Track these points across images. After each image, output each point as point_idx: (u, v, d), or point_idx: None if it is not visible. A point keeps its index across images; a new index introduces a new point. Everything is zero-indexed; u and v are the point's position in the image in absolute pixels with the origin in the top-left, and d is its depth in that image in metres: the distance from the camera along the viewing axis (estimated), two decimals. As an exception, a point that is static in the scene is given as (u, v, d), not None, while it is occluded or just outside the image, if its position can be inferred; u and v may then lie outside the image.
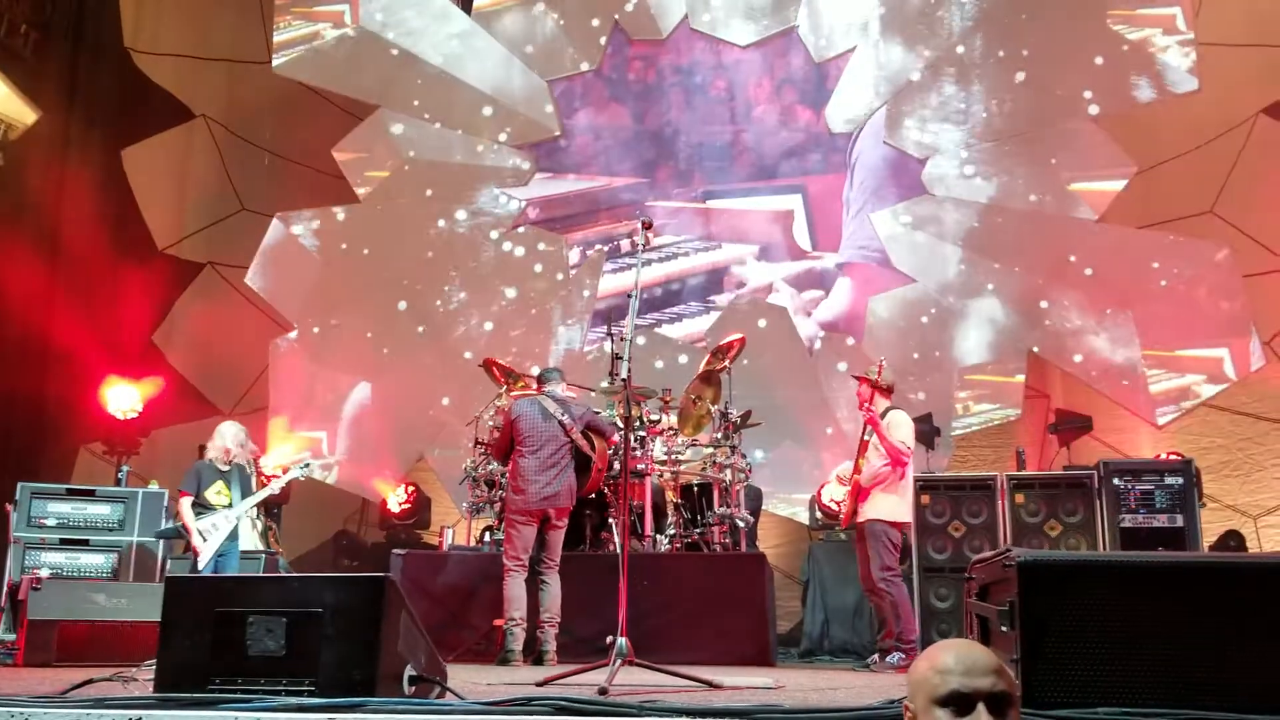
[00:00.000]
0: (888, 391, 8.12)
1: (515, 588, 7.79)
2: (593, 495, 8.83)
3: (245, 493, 8.63)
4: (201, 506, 8.34)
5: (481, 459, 9.59)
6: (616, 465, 8.81)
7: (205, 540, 8.29)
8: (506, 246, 13.61)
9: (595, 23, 13.81)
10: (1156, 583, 3.53)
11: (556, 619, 7.81)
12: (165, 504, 9.17)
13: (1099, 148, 12.46)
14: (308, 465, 9.58)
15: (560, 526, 8.02)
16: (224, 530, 8.31)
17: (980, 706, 2.22)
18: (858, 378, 8.24)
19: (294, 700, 3.67)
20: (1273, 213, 11.93)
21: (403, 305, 13.63)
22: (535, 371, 9.30)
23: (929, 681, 2.26)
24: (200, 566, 8.21)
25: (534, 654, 7.71)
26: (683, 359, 12.84)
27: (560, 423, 8.01)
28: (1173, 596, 3.50)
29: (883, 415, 7.94)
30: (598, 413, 8.61)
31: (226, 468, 8.57)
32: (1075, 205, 12.49)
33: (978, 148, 12.81)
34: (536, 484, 7.88)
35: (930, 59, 13.05)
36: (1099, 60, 12.57)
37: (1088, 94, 12.56)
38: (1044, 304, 12.40)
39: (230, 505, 8.39)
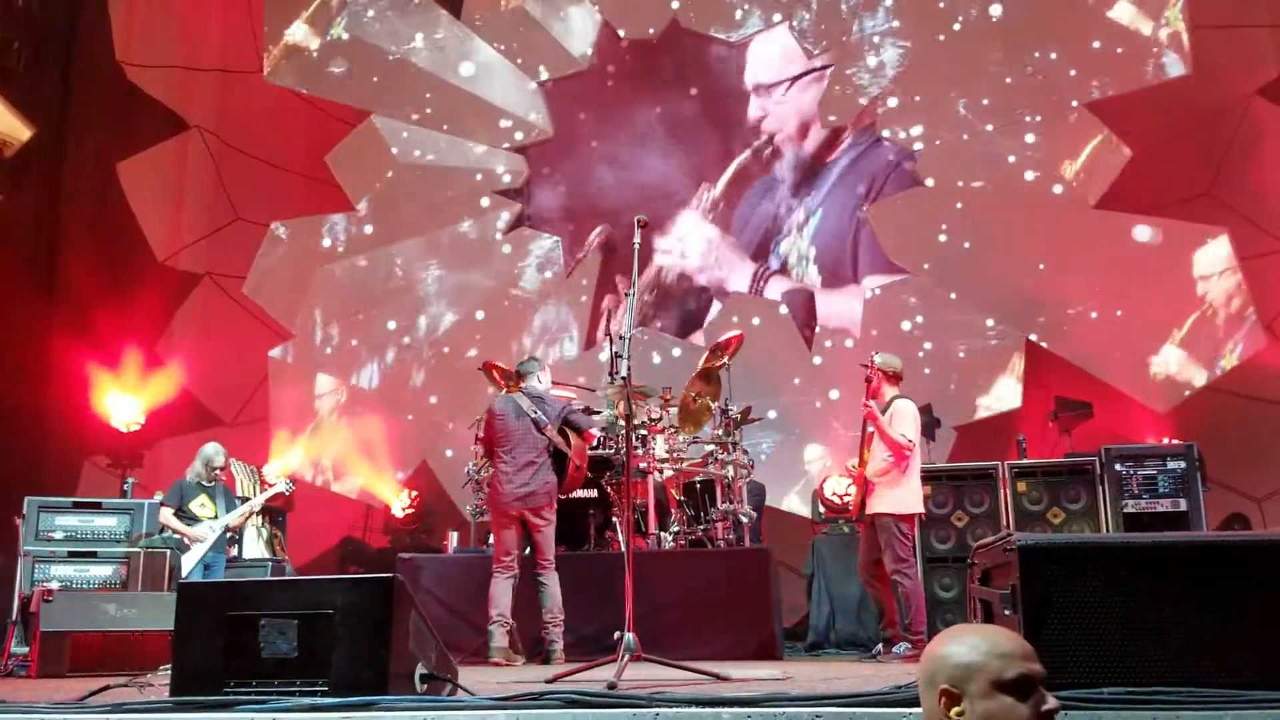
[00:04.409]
0: (896, 380, 8.10)
1: (495, 588, 7.73)
2: (594, 494, 8.85)
3: (229, 507, 9.13)
4: (188, 518, 8.69)
5: (483, 462, 9.61)
6: (618, 461, 8.85)
7: (189, 549, 8.63)
8: (503, 248, 13.65)
9: (585, 22, 13.83)
10: (1156, 563, 3.56)
11: (559, 617, 7.70)
12: (147, 515, 9.27)
13: (1094, 134, 12.49)
14: (291, 483, 10.00)
15: (544, 526, 7.83)
16: (209, 541, 8.66)
17: (1041, 689, 2.22)
18: (865, 366, 8.17)
19: (308, 701, 3.71)
20: (1269, 194, 11.94)
21: (400, 310, 13.66)
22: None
23: (988, 666, 2.21)
24: (185, 575, 8.48)
25: (541, 654, 7.66)
26: (676, 352, 12.90)
27: (533, 420, 7.84)
28: (1173, 576, 3.53)
29: (888, 404, 7.92)
30: (576, 408, 8.35)
31: (210, 484, 9.06)
32: (1072, 191, 12.51)
33: (971, 138, 12.84)
34: (511, 484, 7.75)
35: (923, 50, 13.08)
36: (1093, 46, 12.60)
37: (1082, 81, 12.60)
38: (1042, 291, 12.42)
39: (215, 518, 8.73)
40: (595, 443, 9.22)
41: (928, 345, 12.54)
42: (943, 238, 12.71)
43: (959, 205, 12.73)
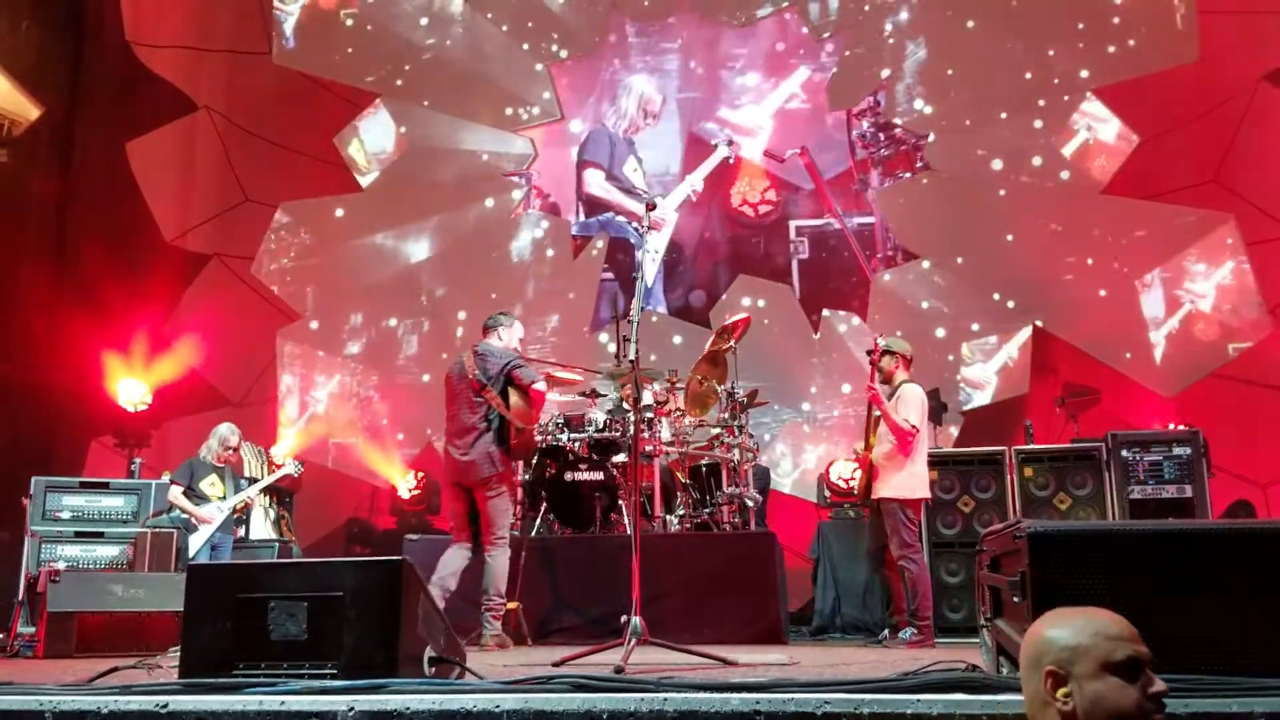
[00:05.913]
0: (908, 363, 8.08)
1: (445, 555, 7.37)
2: (599, 477, 8.83)
3: (238, 488, 9.31)
4: (197, 497, 8.78)
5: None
6: (624, 444, 8.82)
7: (197, 530, 8.73)
8: (510, 230, 13.63)
9: (594, 4, 13.79)
10: (1166, 550, 3.56)
11: (496, 600, 7.21)
12: (154, 493, 9.31)
13: (1101, 119, 12.44)
14: (300, 465, 10.16)
15: (492, 497, 7.27)
16: (216, 522, 8.78)
17: (1148, 670, 2.25)
18: (871, 350, 8.12)
19: (317, 683, 3.71)
20: (1277, 180, 11.90)
21: (407, 291, 13.65)
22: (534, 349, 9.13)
23: (1097, 648, 2.24)
24: (192, 555, 8.57)
25: (473, 635, 7.13)
26: (678, 339, 12.90)
27: (471, 381, 7.32)
28: (1183, 564, 3.53)
29: (896, 388, 7.91)
30: (522, 364, 7.55)
31: (221, 464, 9.19)
32: (1079, 177, 12.47)
33: (980, 122, 12.79)
34: (452, 452, 7.32)
35: (931, 34, 13.03)
36: (1100, 31, 12.52)
37: (1089, 65, 12.53)
38: (1049, 277, 12.38)
39: (224, 498, 8.83)
40: (600, 425, 9.23)
41: (936, 330, 12.50)
42: (949, 221, 12.67)
43: (967, 190, 12.68)
